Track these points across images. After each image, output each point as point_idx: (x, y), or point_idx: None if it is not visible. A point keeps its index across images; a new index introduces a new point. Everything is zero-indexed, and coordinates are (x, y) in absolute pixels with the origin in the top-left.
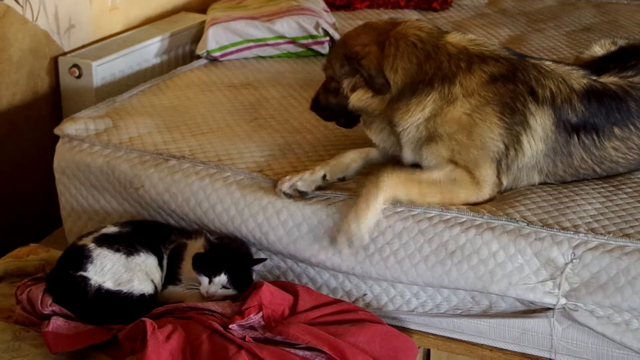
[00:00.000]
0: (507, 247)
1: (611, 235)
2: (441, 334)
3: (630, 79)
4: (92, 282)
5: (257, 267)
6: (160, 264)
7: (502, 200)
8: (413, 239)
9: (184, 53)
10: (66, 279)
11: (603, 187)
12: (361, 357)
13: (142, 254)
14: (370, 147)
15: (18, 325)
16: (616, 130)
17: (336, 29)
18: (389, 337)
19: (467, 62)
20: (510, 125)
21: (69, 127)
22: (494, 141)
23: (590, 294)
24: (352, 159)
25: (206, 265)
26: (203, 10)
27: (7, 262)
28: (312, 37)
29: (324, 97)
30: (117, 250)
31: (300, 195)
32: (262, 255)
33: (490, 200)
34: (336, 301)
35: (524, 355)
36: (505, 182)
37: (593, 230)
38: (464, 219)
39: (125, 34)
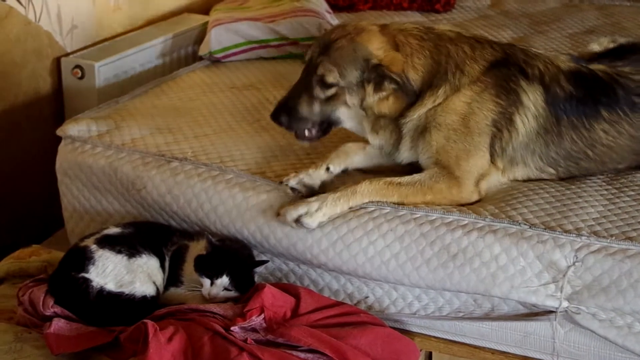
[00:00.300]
0: (509, 249)
1: (614, 238)
2: (443, 336)
3: (619, 68)
4: (94, 283)
5: (259, 269)
6: (162, 266)
7: (504, 202)
8: (415, 242)
9: (186, 54)
10: (68, 280)
11: (606, 190)
12: None
13: (144, 255)
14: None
15: (20, 327)
16: (604, 112)
17: None
18: (390, 340)
19: (470, 46)
20: (504, 107)
21: (72, 128)
22: (489, 127)
23: (592, 297)
24: (351, 149)
25: (208, 267)
26: (206, 12)
27: (9, 263)
28: (315, 38)
29: (307, 105)
30: (119, 252)
31: (306, 191)
32: (264, 257)
33: (476, 199)
34: (338, 303)
35: (526, 358)
36: (501, 165)
37: (595, 233)
38: (466, 222)
39: (127, 35)
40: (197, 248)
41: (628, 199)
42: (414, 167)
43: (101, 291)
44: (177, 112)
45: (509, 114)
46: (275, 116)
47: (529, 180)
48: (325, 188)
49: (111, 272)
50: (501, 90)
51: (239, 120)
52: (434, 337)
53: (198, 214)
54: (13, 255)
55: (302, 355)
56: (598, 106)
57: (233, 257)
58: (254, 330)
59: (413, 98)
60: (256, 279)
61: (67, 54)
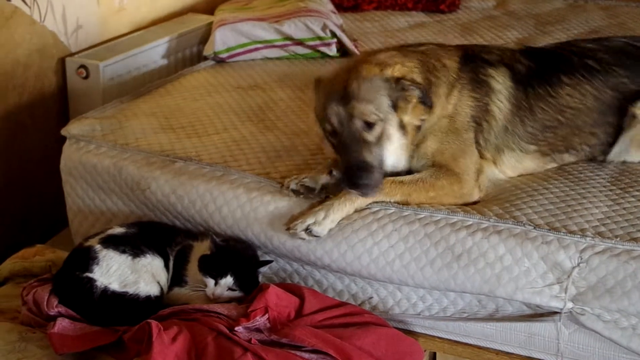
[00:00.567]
0: (514, 250)
1: (618, 239)
2: (447, 337)
3: (569, 46)
4: (98, 283)
5: (263, 270)
6: (166, 266)
7: (508, 202)
8: (419, 242)
9: (191, 54)
10: (72, 280)
11: (610, 190)
12: None
13: (148, 255)
14: None
15: (24, 326)
16: (564, 78)
17: (344, 31)
18: (395, 340)
19: (442, 51)
20: (480, 100)
21: (76, 128)
22: (470, 123)
23: (597, 298)
24: None
25: (212, 267)
26: (210, 12)
27: (13, 263)
28: (320, 38)
29: (369, 153)
30: (124, 252)
31: (307, 192)
32: (268, 258)
33: (478, 194)
34: (342, 304)
35: (530, 359)
36: (489, 155)
37: (600, 234)
38: (470, 222)
39: (132, 35)
40: (202, 248)
41: (633, 199)
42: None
43: (105, 291)
44: (182, 112)
45: (485, 105)
46: (356, 181)
47: (521, 174)
48: (328, 190)
49: (115, 272)
50: (475, 85)
51: (244, 121)
52: (438, 337)
53: (202, 215)
54: (17, 254)
55: (306, 355)
56: (558, 73)
57: (237, 257)
58: (258, 330)
59: (429, 104)
60: (260, 279)
61: (72, 54)
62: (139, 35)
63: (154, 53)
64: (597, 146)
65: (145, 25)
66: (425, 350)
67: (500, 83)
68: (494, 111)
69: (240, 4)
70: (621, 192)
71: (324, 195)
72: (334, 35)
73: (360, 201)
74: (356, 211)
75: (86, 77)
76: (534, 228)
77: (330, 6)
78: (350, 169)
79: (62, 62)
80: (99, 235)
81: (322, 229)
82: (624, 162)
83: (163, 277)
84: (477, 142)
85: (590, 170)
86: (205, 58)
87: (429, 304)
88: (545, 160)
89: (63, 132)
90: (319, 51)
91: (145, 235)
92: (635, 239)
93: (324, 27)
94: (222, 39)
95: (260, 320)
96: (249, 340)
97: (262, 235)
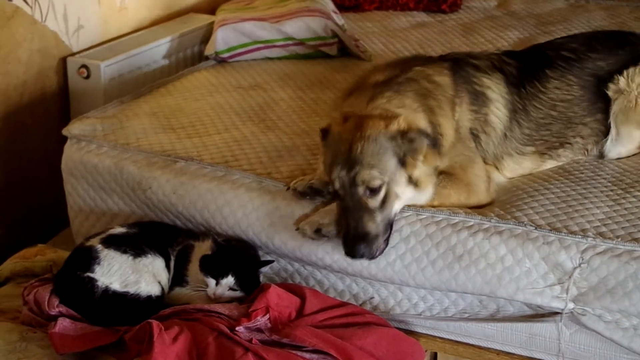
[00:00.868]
0: (515, 251)
1: (620, 239)
2: (448, 337)
3: (539, 45)
4: (99, 283)
5: (264, 270)
6: (168, 266)
7: (510, 203)
8: (420, 243)
9: (192, 54)
10: (73, 280)
11: (612, 191)
12: None
13: (149, 255)
14: None
15: (25, 326)
16: (548, 72)
17: (345, 31)
18: (396, 341)
19: (433, 68)
20: (478, 112)
21: (77, 128)
22: (469, 135)
23: (598, 299)
24: None
25: (213, 267)
26: (212, 12)
27: (14, 263)
28: (321, 38)
29: (372, 221)
30: (125, 252)
31: (314, 195)
32: (269, 258)
33: (488, 200)
34: (343, 304)
35: (531, 359)
36: (489, 162)
37: (601, 235)
38: (471, 223)
39: (133, 35)
40: (203, 248)
41: (634, 199)
42: None
43: (106, 291)
44: (183, 112)
45: (484, 116)
46: (354, 252)
47: (517, 175)
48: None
49: (116, 271)
50: (472, 97)
51: (245, 121)
52: (440, 337)
53: (203, 215)
54: (18, 254)
55: (307, 355)
56: (542, 68)
57: (238, 257)
58: (259, 330)
59: (439, 149)
60: (261, 279)
61: (73, 54)
62: (140, 35)
63: (155, 53)
64: (590, 137)
65: (147, 25)
66: (426, 351)
67: (496, 92)
68: (494, 122)
69: (242, 4)
70: (622, 193)
71: (330, 197)
72: (335, 35)
73: None
74: None
75: (87, 77)
76: (535, 228)
77: (332, 6)
78: (349, 239)
79: (63, 62)
80: (100, 235)
81: (332, 230)
82: (619, 157)
83: (164, 277)
84: (480, 152)
85: (592, 170)
86: (207, 58)
87: (430, 304)
88: (542, 159)
89: (64, 131)
90: (320, 51)
91: (146, 235)
92: (636, 240)
93: (326, 27)
94: (224, 39)
95: (261, 320)
96: (250, 340)
97: (263, 235)
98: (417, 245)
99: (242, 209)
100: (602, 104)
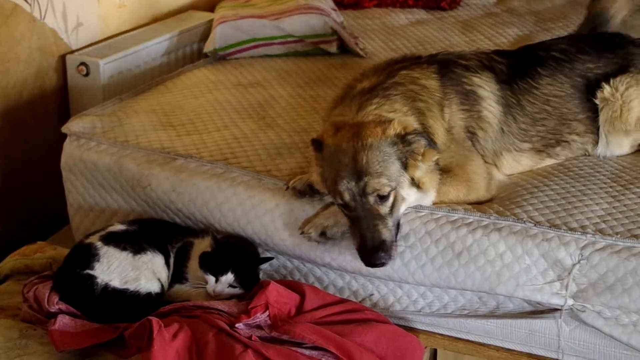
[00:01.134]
0: (515, 247)
1: (619, 236)
2: (448, 334)
3: (529, 46)
4: (99, 280)
5: (264, 266)
6: (167, 263)
7: (509, 200)
8: (420, 241)
9: (191, 51)
10: (73, 277)
11: (611, 187)
12: (367, 357)
13: (148, 252)
14: None
15: (25, 323)
16: (539, 69)
17: (344, 28)
18: (395, 337)
19: (415, 72)
20: (470, 110)
21: (77, 125)
22: (465, 133)
23: (597, 295)
24: None
25: (213, 264)
26: (211, 9)
27: (14, 260)
28: (320, 35)
29: (386, 228)
30: (124, 249)
31: (313, 193)
32: (269, 255)
33: (489, 197)
34: (343, 301)
35: (531, 355)
36: (490, 161)
37: (601, 231)
38: (470, 220)
39: (132, 32)
40: (202, 245)
41: (633, 196)
42: None
43: (106, 288)
44: (182, 110)
45: (477, 113)
46: (375, 262)
47: (516, 172)
48: None
49: (116, 269)
50: (462, 97)
51: (244, 118)
52: (439, 334)
53: (203, 212)
54: (18, 251)
55: (306, 352)
56: (534, 66)
57: (238, 254)
58: (258, 327)
59: (434, 146)
60: (261, 275)
61: (72, 52)
62: (139, 33)
63: (154, 50)
64: (586, 135)
65: (146, 22)
66: (426, 347)
67: (487, 89)
68: (488, 117)
69: (241, 1)
70: (622, 189)
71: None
72: (334, 32)
73: None
74: None
75: (86, 75)
76: (535, 225)
77: (331, 3)
78: (367, 250)
79: (62, 59)
80: (99, 233)
81: (337, 231)
82: (618, 156)
83: (164, 274)
84: (477, 150)
85: (591, 167)
86: (206, 55)
87: (429, 301)
88: (540, 156)
89: (63, 129)
90: (319, 48)
91: (145, 233)
92: (635, 236)
93: (325, 25)
94: (223, 36)
95: (261, 317)
96: (250, 337)
97: (262, 233)
98: (416, 243)
99: (241, 206)
100: (593, 103)
